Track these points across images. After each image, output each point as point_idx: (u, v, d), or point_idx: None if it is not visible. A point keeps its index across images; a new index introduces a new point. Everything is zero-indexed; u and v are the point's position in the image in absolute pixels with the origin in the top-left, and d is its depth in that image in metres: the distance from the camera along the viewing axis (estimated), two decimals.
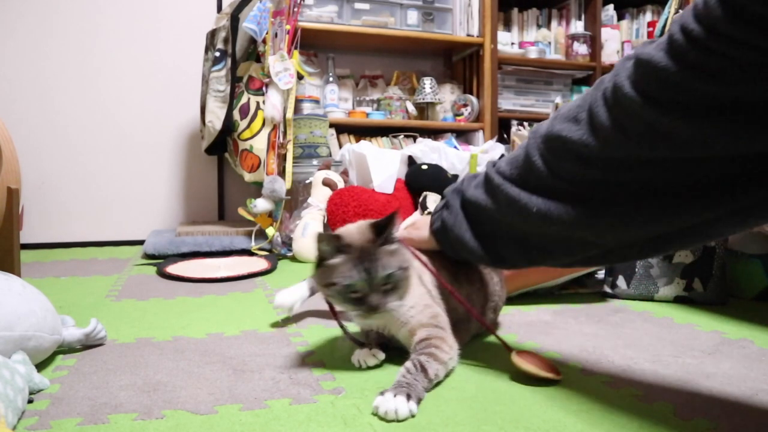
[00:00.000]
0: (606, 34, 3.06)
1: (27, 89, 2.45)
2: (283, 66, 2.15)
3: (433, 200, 2.05)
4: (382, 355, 0.91)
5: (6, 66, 2.42)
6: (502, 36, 2.91)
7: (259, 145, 2.15)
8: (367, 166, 2.19)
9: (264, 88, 2.18)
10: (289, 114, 2.18)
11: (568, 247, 0.78)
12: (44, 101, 2.47)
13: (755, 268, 1.35)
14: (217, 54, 2.23)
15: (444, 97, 2.89)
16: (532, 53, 2.90)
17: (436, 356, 0.81)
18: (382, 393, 0.73)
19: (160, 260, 1.98)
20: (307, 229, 2.00)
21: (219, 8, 2.65)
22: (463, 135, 2.88)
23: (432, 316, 0.87)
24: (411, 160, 2.25)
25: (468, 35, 2.79)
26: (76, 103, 2.50)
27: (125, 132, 2.57)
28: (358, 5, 2.63)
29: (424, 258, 0.93)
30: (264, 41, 2.18)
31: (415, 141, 2.71)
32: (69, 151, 2.51)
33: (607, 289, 1.40)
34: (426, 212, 2.01)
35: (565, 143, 0.73)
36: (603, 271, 1.44)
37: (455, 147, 2.53)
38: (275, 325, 1.16)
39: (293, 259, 2.04)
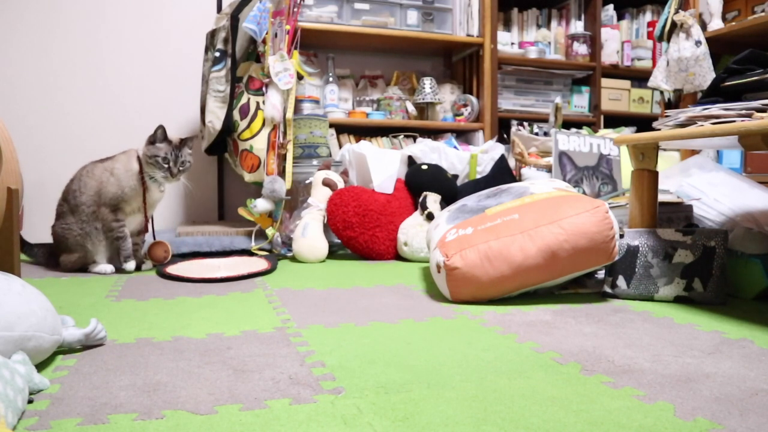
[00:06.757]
0: (606, 34, 3.06)
1: (27, 89, 2.45)
2: (282, 66, 2.15)
3: (433, 200, 2.05)
4: None
5: (6, 66, 2.42)
6: (502, 36, 2.91)
7: (259, 145, 2.15)
8: (367, 166, 2.19)
9: (264, 88, 2.18)
10: (289, 114, 2.18)
11: None
12: (44, 101, 2.47)
13: (755, 268, 1.35)
14: (217, 54, 2.23)
15: (444, 97, 2.89)
16: (532, 53, 2.91)
17: None
18: None
19: None
20: (307, 229, 2.00)
21: (219, 8, 2.65)
22: (463, 135, 2.88)
23: None
24: (411, 160, 2.25)
25: (468, 35, 2.79)
26: (76, 103, 2.51)
27: (125, 132, 2.57)
28: (358, 5, 2.63)
29: None
30: (264, 41, 2.18)
31: (415, 141, 2.71)
32: (69, 151, 2.51)
33: (607, 289, 1.40)
34: (426, 212, 2.01)
35: None
36: (603, 271, 1.44)
37: (455, 147, 2.53)
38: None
39: (293, 259, 2.04)
